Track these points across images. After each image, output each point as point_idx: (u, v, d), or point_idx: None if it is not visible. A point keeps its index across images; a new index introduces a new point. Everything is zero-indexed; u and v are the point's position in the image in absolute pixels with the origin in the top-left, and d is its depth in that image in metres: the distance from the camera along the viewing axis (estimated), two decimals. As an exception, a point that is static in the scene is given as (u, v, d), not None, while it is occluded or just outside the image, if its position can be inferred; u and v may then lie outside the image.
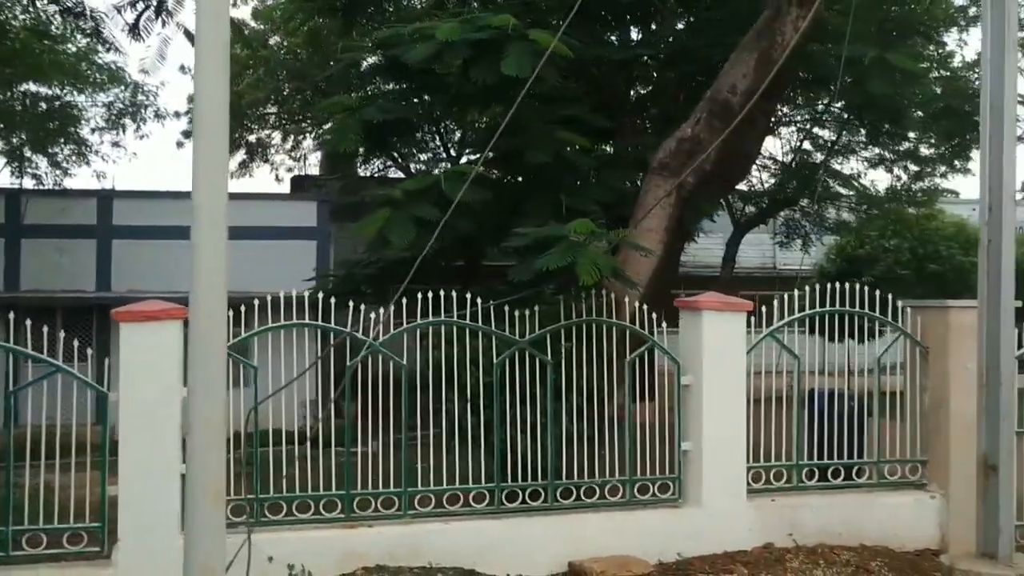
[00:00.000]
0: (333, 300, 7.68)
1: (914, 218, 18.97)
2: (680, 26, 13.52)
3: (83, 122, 21.36)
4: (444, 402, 7.85)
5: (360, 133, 10.09)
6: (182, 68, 25.54)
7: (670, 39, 12.77)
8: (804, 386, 8.80)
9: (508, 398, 7.82)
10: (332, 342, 7.68)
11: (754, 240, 22.50)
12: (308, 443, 7.45)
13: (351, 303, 7.58)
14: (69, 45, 18.37)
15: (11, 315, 7.36)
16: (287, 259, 18.82)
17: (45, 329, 6.84)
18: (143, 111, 21.08)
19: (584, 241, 8.08)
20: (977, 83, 8.51)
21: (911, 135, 15.09)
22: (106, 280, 19.44)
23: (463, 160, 16.66)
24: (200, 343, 4.02)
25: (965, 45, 27.41)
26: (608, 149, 13.37)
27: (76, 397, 7.11)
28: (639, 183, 10.15)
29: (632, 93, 13.47)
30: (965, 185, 21.84)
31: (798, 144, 16.82)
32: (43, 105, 19.94)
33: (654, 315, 8.21)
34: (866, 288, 8.79)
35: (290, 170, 26.93)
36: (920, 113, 12.73)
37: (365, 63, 13.63)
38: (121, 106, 21.10)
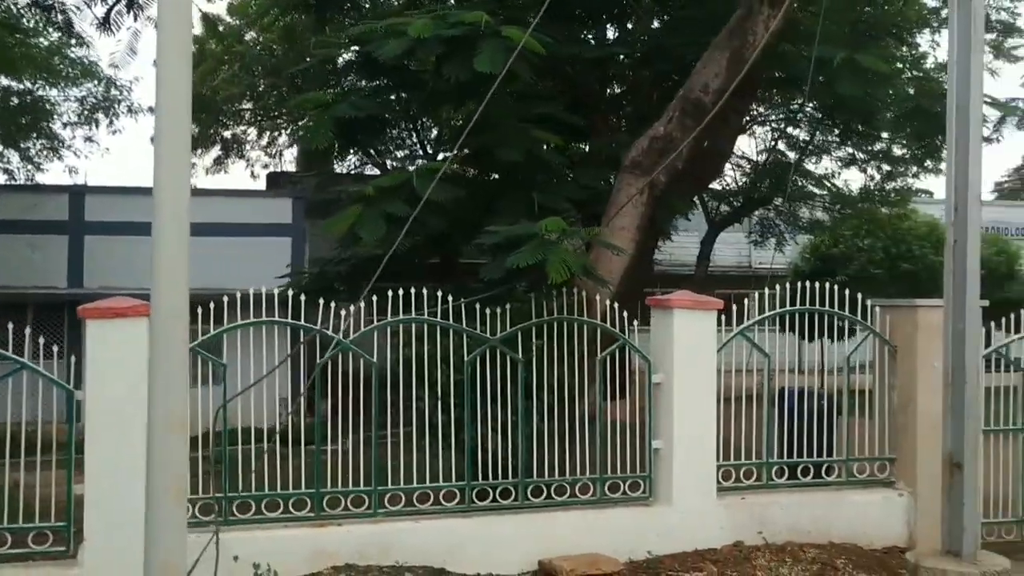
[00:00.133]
0: (303, 297, 7.65)
1: (887, 218, 19.14)
2: (656, 25, 13.54)
3: (55, 117, 21.17)
4: (415, 400, 7.83)
5: (333, 130, 10.04)
6: (155, 63, 25.30)
7: (645, 38, 12.78)
8: (776, 384, 8.86)
9: (479, 396, 7.82)
10: (301, 340, 7.64)
11: (730, 239, 22.60)
12: (277, 441, 7.39)
13: (322, 300, 7.55)
14: (41, 39, 18.18)
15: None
16: (262, 256, 18.69)
17: (11, 325, 6.77)
18: (116, 106, 20.90)
19: (556, 239, 8.09)
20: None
21: (883, 135, 15.20)
22: (78, 276, 19.25)
23: (440, 157, 16.62)
24: (161, 340, 4.00)
25: (937, 47, 27.44)
26: (584, 147, 13.38)
27: (44, 395, 7.05)
28: (612, 181, 10.16)
29: (607, 91, 13.48)
30: (938, 185, 22.00)
31: (772, 144, 16.91)
32: (15, 99, 19.72)
33: (625, 313, 8.23)
34: (836, 287, 8.85)
35: (266, 166, 26.78)
36: (892, 113, 12.81)
37: (341, 59, 13.58)
38: (94, 101, 20.89)
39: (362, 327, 7.71)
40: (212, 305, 7.26)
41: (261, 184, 26.29)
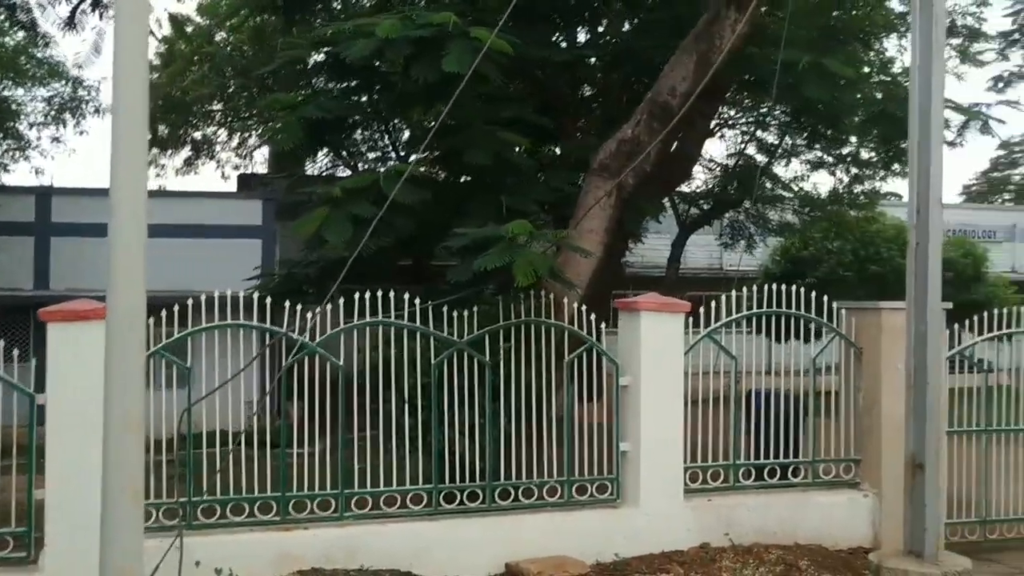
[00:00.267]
0: (269, 300, 7.60)
1: (855, 221, 19.32)
2: (626, 28, 13.57)
3: (22, 117, 20.91)
4: (382, 403, 7.79)
5: (301, 131, 9.99)
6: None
7: (615, 41, 12.81)
8: (743, 386, 8.91)
9: (446, 399, 7.80)
10: (267, 343, 7.59)
11: (701, 241, 22.71)
12: (243, 444, 7.33)
13: (287, 303, 7.51)
14: (7, 39, 17.96)
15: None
16: (232, 258, 18.55)
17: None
18: (83, 106, 20.68)
19: (524, 242, 8.09)
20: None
21: (851, 139, 15.32)
22: (44, 278, 19.02)
23: (412, 159, 16.55)
24: (118, 342, 3.96)
25: (904, 51, 27.72)
26: (556, 150, 13.39)
27: (4, 400, 6.94)
28: (582, 184, 10.17)
29: (577, 94, 13.50)
30: (905, 188, 22.19)
31: (741, 147, 17.01)
32: (-20, 100, 19.50)
33: (593, 316, 8.24)
34: (804, 290, 8.90)
35: (237, 168, 26.63)
36: (859, 117, 12.91)
37: (312, 61, 13.50)
38: (61, 101, 20.66)
39: (328, 330, 7.67)
40: (176, 308, 7.21)
41: (232, 185, 26.17)
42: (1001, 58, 14.22)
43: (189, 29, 21.80)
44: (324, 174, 20.92)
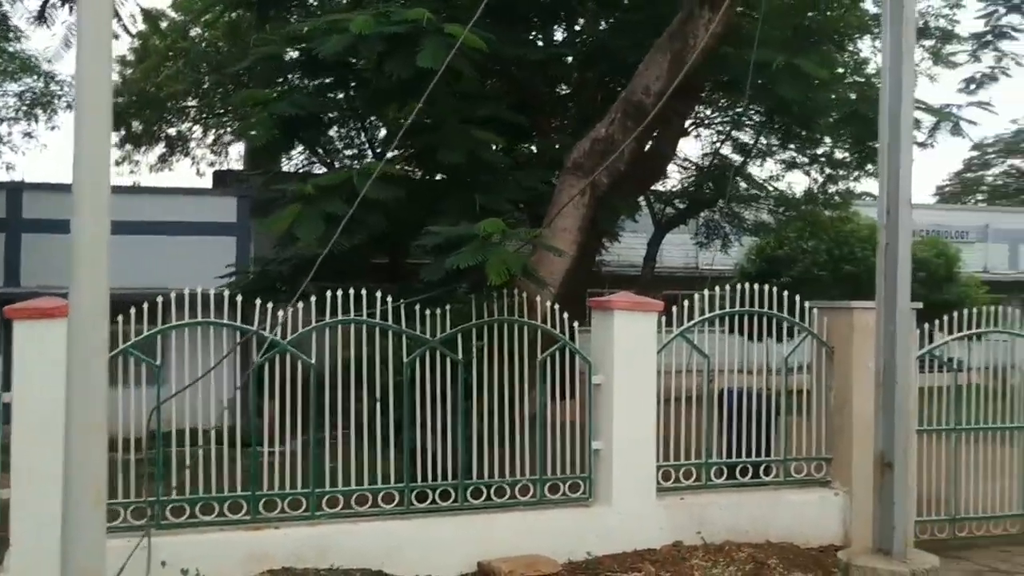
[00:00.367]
0: (240, 297, 7.55)
1: (830, 220, 19.43)
2: (603, 27, 13.58)
3: (-8, 112, 20.71)
4: (354, 402, 7.75)
5: (274, 127, 9.93)
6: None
7: (590, 39, 12.82)
8: (717, 385, 8.93)
9: (419, 398, 7.77)
10: (237, 341, 7.53)
11: (677, 240, 22.77)
12: (213, 443, 7.28)
13: (259, 300, 7.46)
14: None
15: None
16: (207, 255, 18.39)
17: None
18: (56, 101, 20.46)
19: (498, 240, 8.07)
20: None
21: (826, 139, 15.40)
22: (15, 275, 18.79)
23: (392, 155, 16.51)
24: (80, 340, 3.90)
25: (878, 52, 27.98)
26: (532, 148, 13.38)
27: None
28: (556, 183, 10.16)
29: (553, 93, 13.50)
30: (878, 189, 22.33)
31: (717, 146, 17.07)
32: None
33: (567, 315, 8.24)
34: (777, 289, 8.94)
35: (212, 164, 26.45)
36: (833, 117, 12.98)
37: (287, 57, 13.41)
38: (32, 96, 20.43)
39: (301, 328, 7.63)
40: (146, 305, 7.15)
41: (207, 182, 25.99)
42: (973, 60, 14.30)
43: (163, 24, 21.57)
44: (301, 171, 20.83)
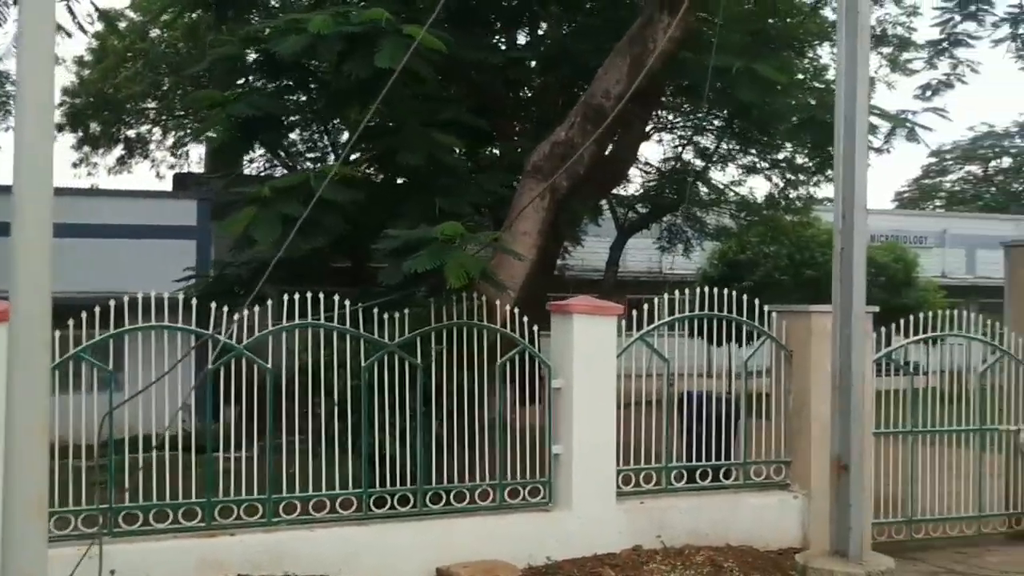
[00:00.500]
0: (195, 301, 7.45)
1: (791, 225, 19.61)
2: (565, 31, 13.62)
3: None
4: (312, 406, 7.67)
5: (231, 128, 9.83)
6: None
7: (552, 43, 12.85)
8: (678, 389, 8.94)
9: (377, 402, 7.71)
10: (192, 345, 7.42)
11: (641, 244, 22.90)
12: (166, 449, 7.17)
13: (214, 304, 7.36)
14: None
15: None
16: (166, 259, 18.12)
17: None
18: (9, 101, 20.10)
19: (458, 244, 8.03)
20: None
21: (787, 145, 15.55)
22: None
23: (353, 158, 16.44)
24: (21, 347, 3.80)
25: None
26: (494, 152, 13.38)
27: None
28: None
29: (515, 96, 13.50)
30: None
31: (679, 150, 17.18)
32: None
33: (526, 318, 8.22)
34: (738, 293, 8.97)
35: (172, 167, 26.17)
36: (793, 122, 13.11)
37: (248, 58, 13.30)
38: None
39: (256, 332, 7.53)
40: (98, 309, 7.02)
41: (167, 185, 25.70)
42: (929, 67, 14.55)
43: (122, 25, 21.32)
44: (263, 174, 20.67)
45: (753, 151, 16.15)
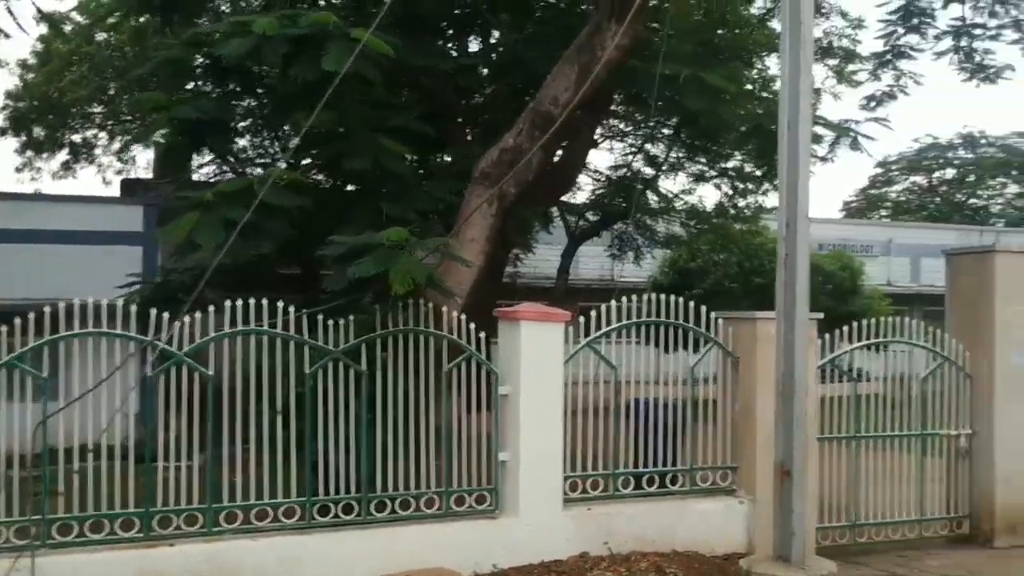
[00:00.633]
0: (135, 307, 7.31)
1: (740, 233, 19.83)
2: (516, 38, 13.64)
3: None
4: (255, 414, 7.55)
5: (176, 133, 9.68)
6: (-2, 63, 24.01)
7: (501, 50, 12.86)
8: (626, 396, 8.95)
9: (322, 410, 7.61)
10: (129, 352, 7.27)
11: (592, 252, 22.98)
12: (105, 458, 7.01)
13: (155, 310, 7.22)
14: None
15: None
16: (112, 265, 17.75)
17: None
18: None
19: (404, 250, 7.97)
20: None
21: (736, 154, 15.71)
22: None
23: (305, 163, 16.32)
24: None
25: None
26: (446, 158, 13.33)
27: None
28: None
29: (465, 103, 13.49)
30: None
31: (629, 158, 17.28)
32: None
33: (473, 325, 8.18)
34: (686, 300, 9.01)
35: (119, 172, 25.74)
36: (740, 131, 13.25)
37: (194, 62, 13.14)
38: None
39: (197, 339, 7.40)
40: (32, 316, 6.86)
41: (115, 190, 25.29)
42: (874, 78, 14.81)
43: (67, 28, 20.95)
44: (213, 180, 20.41)
45: (702, 160, 16.30)
